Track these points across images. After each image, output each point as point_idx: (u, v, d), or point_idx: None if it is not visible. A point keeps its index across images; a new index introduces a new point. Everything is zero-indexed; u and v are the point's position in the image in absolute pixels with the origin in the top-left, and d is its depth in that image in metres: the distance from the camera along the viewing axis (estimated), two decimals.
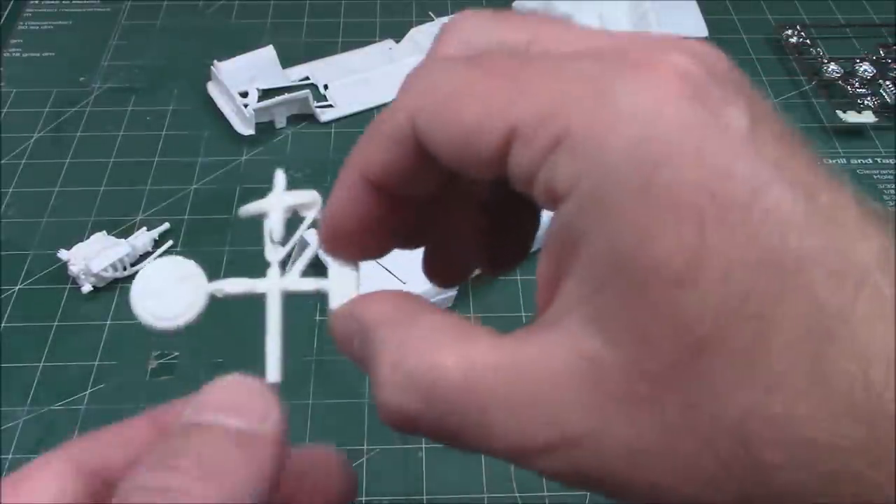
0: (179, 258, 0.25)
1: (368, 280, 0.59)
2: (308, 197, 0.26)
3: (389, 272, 0.55)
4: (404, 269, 0.55)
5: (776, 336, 0.15)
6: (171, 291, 0.24)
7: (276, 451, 0.21)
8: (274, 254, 0.26)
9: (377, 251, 0.25)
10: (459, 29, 0.22)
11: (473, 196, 0.25)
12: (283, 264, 0.26)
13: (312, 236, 0.26)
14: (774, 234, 0.16)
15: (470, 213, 0.26)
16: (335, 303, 0.25)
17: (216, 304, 0.61)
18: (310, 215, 0.26)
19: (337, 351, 0.23)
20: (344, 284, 0.25)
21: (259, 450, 0.20)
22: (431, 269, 0.27)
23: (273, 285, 0.25)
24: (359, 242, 0.24)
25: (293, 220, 0.27)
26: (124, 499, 0.19)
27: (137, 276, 0.25)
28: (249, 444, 0.20)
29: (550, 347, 0.19)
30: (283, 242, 0.26)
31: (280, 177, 0.27)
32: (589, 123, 0.17)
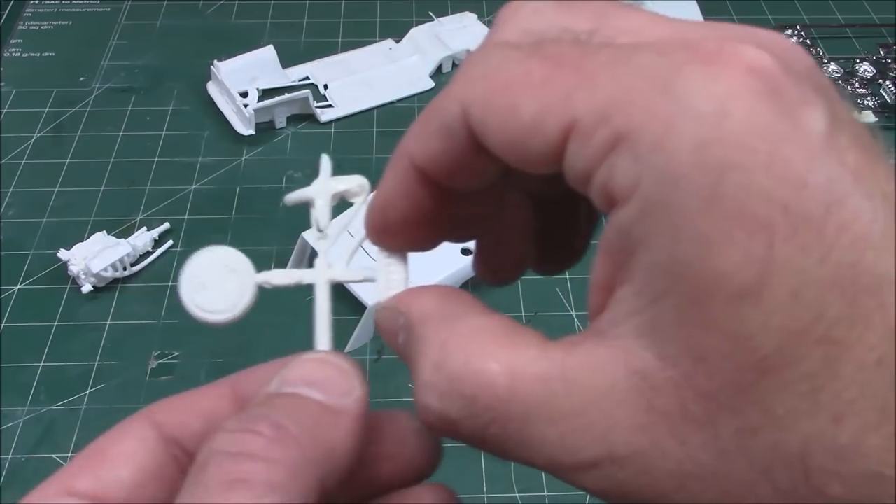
0: (224, 248, 0.24)
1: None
2: (355, 182, 0.24)
3: None
4: None
5: (847, 362, 0.14)
6: (219, 284, 0.24)
7: (357, 427, 0.20)
8: (320, 243, 0.25)
9: (426, 243, 0.24)
10: (519, 14, 0.20)
11: (528, 191, 0.24)
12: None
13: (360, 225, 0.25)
14: (850, 252, 0.15)
15: (523, 209, 0.25)
16: (383, 293, 0.24)
17: None
18: (358, 202, 0.25)
19: (385, 344, 0.23)
20: (392, 274, 0.24)
21: (340, 424, 0.20)
22: (482, 265, 0.26)
23: (321, 275, 0.24)
24: (407, 233, 0.23)
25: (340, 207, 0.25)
26: (200, 463, 0.19)
27: (185, 269, 0.24)
28: (331, 417, 0.20)
29: (600, 360, 0.17)
30: (330, 231, 0.25)
31: (325, 161, 0.25)
32: (652, 122, 0.16)
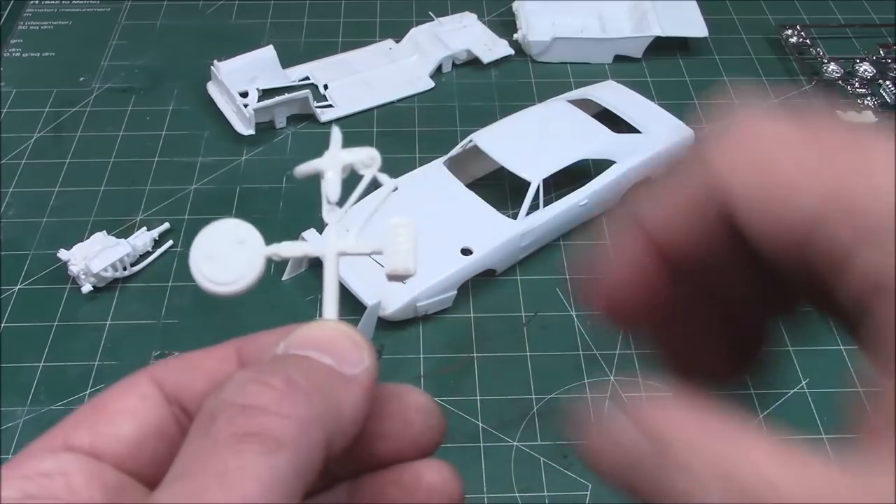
0: (234, 220, 0.23)
1: (366, 279, 0.59)
2: (365, 154, 0.24)
3: None
4: None
5: None
6: (227, 255, 0.23)
7: (365, 396, 0.20)
8: (331, 215, 0.24)
9: (645, 320, 0.22)
10: (754, 126, 0.20)
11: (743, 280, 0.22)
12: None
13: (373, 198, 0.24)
14: None
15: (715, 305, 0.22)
16: (389, 265, 0.23)
17: (218, 302, 0.61)
18: (368, 174, 0.24)
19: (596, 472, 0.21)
20: (401, 245, 0.24)
21: (349, 389, 0.20)
22: (672, 357, 0.24)
23: (330, 248, 0.24)
24: (632, 309, 0.22)
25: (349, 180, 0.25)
26: (209, 414, 0.18)
27: (196, 241, 0.23)
28: (341, 382, 0.20)
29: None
30: (340, 203, 0.24)
31: (336, 133, 0.25)
32: None
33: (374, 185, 0.25)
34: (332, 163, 0.24)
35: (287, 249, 0.24)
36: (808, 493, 0.16)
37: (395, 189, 0.25)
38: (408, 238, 0.24)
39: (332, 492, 0.23)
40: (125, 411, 0.21)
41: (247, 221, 0.24)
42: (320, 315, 0.23)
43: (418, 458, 0.23)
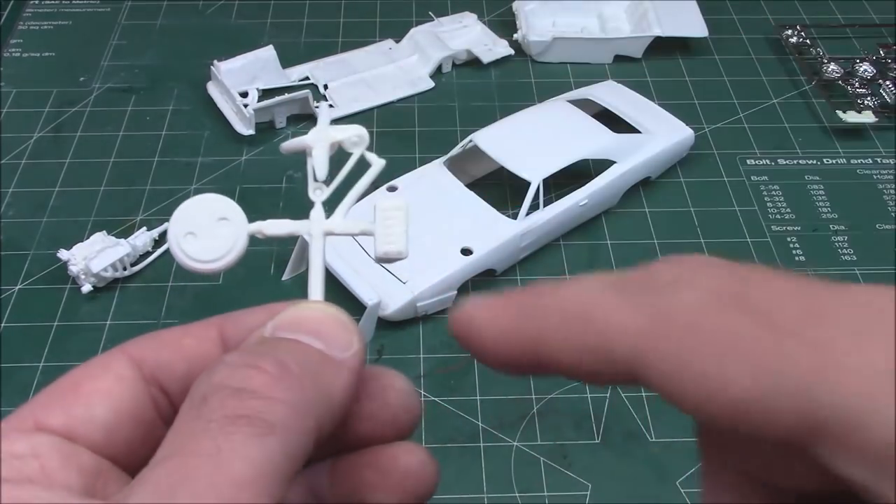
0: (216, 195, 0.23)
1: (367, 279, 0.59)
2: (354, 132, 0.24)
3: (389, 272, 0.55)
4: (404, 268, 0.55)
5: None
6: (209, 232, 0.23)
7: (354, 380, 0.20)
8: (317, 193, 0.24)
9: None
10: (683, 267, 0.18)
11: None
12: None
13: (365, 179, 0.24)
14: None
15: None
16: (381, 247, 0.23)
17: (218, 302, 0.61)
18: (356, 152, 0.24)
19: None
20: (392, 227, 0.23)
21: (339, 374, 0.20)
22: None
23: (316, 227, 0.23)
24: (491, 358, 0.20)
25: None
26: (201, 396, 0.18)
27: (174, 215, 0.23)
28: (331, 366, 0.20)
29: None
30: (328, 182, 0.24)
31: (325, 109, 0.24)
32: None
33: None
34: (320, 139, 0.24)
35: (271, 227, 0.23)
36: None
37: (383, 166, 0.24)
38: (400, 220, 0.23)
39: (311, 470, 0.23)
40: (100, 392, 0.21)
41: (227, 197, 0.23)
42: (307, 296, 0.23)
43: (395, 440, 0.23)
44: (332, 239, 0.24)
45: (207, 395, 0.18)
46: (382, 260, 0.24)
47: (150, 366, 0.22)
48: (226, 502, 0.16)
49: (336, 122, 0.74)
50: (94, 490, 0.19)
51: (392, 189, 0.60)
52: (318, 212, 0.24)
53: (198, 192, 0.65)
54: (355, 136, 0.24)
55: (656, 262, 0.18)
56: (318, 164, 0.23)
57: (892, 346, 0.14)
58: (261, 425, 0.17)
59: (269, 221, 0.23)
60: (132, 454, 0.21)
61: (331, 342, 0.20)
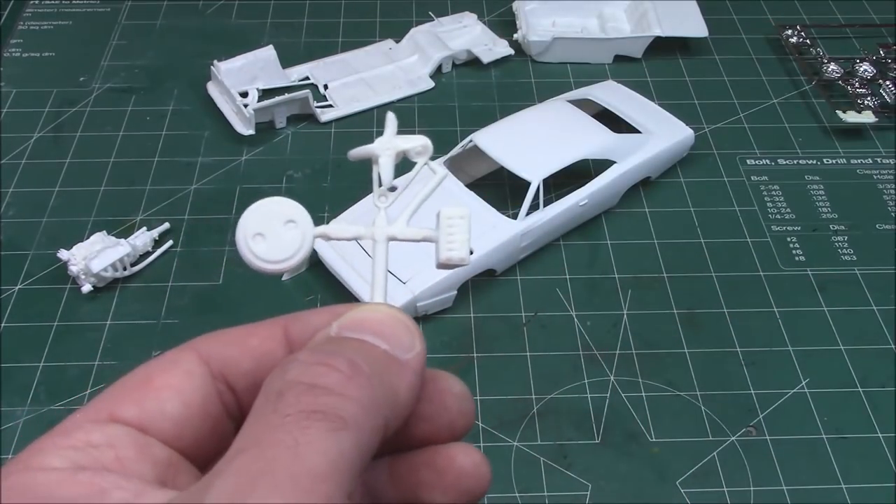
0: (284, 199, 0.24)
1: (366, 278, 0.59)
2: (419, 142, 0.24)
3: (389, 272, 0.55)
4: (404, 268, 0.55)
5: None
6: (277, 234, 0.23)
7: (417, 380, 0.21)
8: (382, 200, 0.25)
9: None
10: None
11: None
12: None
13: (426, 182, 0.25)
14: None
15: None
16: (444, 254, 0.24)
17: (218, 302, 0.61)
18: (420, 161, 0.25)
19: None
20: (454, 235, 0.24)
21: (403, 374, 0.21)
22: None
23: (380, 232, 0.24)
24: None
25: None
26: (276, 392, 0.19)
27: (243, 217, 0.23)
28: (396, 366, 0.21)
29: None
30: (392, 188, 0.24)
31: (391, 118, 0.25)
32: None
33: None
34: (387, 148, 0.24)
35: (336, 231, 0.24)
36: None
37: (445, 176, 0.25)
38: (462, 228, 0.24)
39: (369, 468, 0.23)
40: (171, 387, 0.21)
41: (292, 200, 0.24)
42: (355, 299, 0.24)
43: (450, 441, 0.23)
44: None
45: (283, 391, 0.19)
46: (444, 266, 0.24)
47: (217, 362, 0.22)
48: (305, 492, 0.17)
49: (336, 121, 0.75)
50: (166, 480, 0.20)
51: (392, 189, 0.60)
52: (381, 217, 0.24)
53: (197, 192, 0.66)
54: (420, 147, 0.24)
55: None
56: (385, 171, 0.24)
57: None
58: (335, 420, 0.18)
59: (334, 225, 0.24)
60: (199, 447, 0.21)
61: (395, 343, 0.21)
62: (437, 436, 0.23)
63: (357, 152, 0.25)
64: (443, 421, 0.23)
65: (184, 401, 0.21)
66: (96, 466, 0.19)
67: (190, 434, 0.21)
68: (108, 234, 0.60)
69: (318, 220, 0.58)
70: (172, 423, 0.21)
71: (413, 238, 0.24)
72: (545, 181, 0.59)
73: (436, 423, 0.23)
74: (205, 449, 0.21)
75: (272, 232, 0.23)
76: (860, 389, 0.54)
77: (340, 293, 0.56)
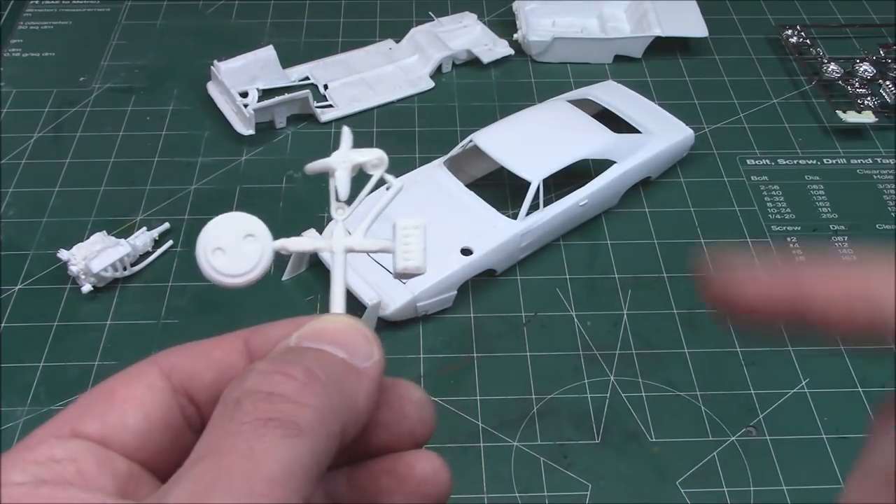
0: (243, 214, 0.24)
1: (367, 279, 0.59)
2: (374, 155, 0.25)
3: (390, 272, 0.55)
4: None
5: None
6: (236, 248, 0.24)
7: (375, 388, 0.21)
8: (339, 212, 0.25)
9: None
10: None
11: None
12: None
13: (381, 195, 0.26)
14: None
15: None
16: (400, 263, 0.24)
17: (218, 302, 0.61)
18: (376, 174, 0.25)
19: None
20: (410, 245, 0.25)
21: (361, 382, 0.21)
22: None
23: (338, 244, 0.25)
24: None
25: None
26: (234, 400, 0.19)
27: (203, 232, 0.24)
28: (354, 375, 0.21)
29: None
30: (349, 201, 0.25)
31: (347, 133, 0.26)
32: None
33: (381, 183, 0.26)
34: (343, 161, 0.25)
35: (295, 244, 0.25)
36: None
37: (401, 188, 0.26)
38: (418, 238, 0.25)
39: (329, 476, 0.24)
40: (133, 400, 0.22)
41: (252, 215, 0.24)
42: (328, 309, 0.24)
43: (411, 448, 0.24)
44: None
45: (241, 399, 0.19)
46: (401, 275, 0.25)
47: (179, 375, 0.23)
48: (260, 497, 0.17)
49: (336, 121, 0.75)
50: (127, 493, 0.20)
51: (311, 172, 0.60)
52: (339, 230, 0.25)
53: (197, 192, 0.66)
54: (375, 159, 0.25)
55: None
56: (341, 185, 0.25)
57: None
58: (291, 427, 0.18)
59: (293, 238, 0.25)
60: (161, 459, 0.22)
61: (353, 352, 0.21)
62: (398, 443, 0.24)
63: (313, 166, 0.25)
64: (402, 428, 0.23)
65: (145, 414, 0.22)
66: (58, 480, 0.19)
67: (151, 446, 0.21)
68: (108, 234, 0.60)
69: (318, 220, 0.58)
70: (134, 436, 0.21)
71: (370, 249, 0.25)
72: (545, 181, 0.59)
73: (395, 430, 0.23)
74: (166, 461, 0.22)
75: (231, 246, 0.24)
76: (860, 389, 0.54)
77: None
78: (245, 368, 0.21)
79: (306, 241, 0.25)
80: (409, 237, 0.25)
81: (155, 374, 0.22)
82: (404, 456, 0.24)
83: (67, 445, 0.20)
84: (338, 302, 0.24)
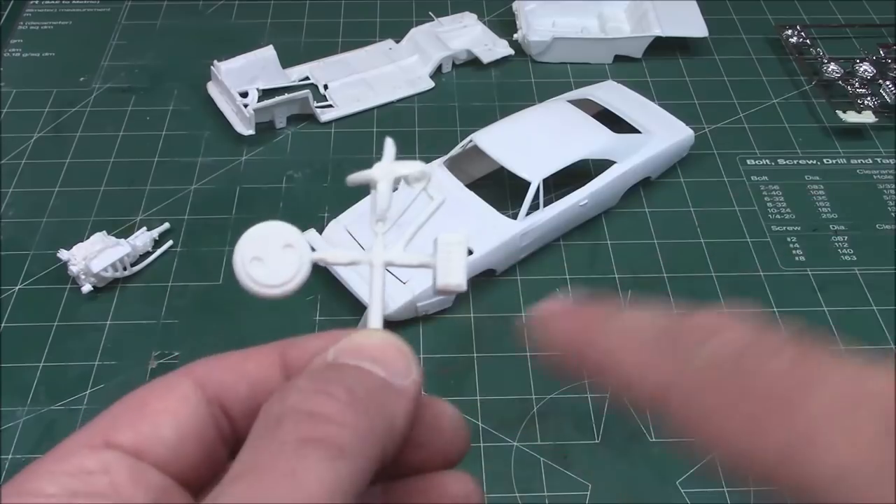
0: (282, 223, 0.24)
1: (367, 279, 0.59)
2: (417, 168, 0.25)
3: (389, 272, 0.55)
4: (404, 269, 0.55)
5: None
6: (275, 258, 0.23)
7: (413, 408, 0.21)
8: (379, 226, 0.25)
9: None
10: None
11: None
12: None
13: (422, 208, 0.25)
14: None
15: None
16: (442, 280, 0.24)
17: (218, 302, 0.61)
18: (418, 187, 0.25)
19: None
20: (453, 260, 0.24)
21: (400, 401, 0.21)
22: None
23: (377, 257, 0.24)
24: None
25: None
26: (275, 418, 0.19)
27: (241, 240, 0.23)
28: (393, 394, 0.21)
29: None
30: (388, 214, 0.25)
31: (390, 144, 0.25)
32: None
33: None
34: (385, 174, 0.24)
35: (334, 256, 0.25)
36: None
37: (443, 202, 0.25)
38: (460, 254, 0.24)
39: (366, 493, 0.24)
40: (166, 412, 0.21)
41: (292, 224, 0.24)
42: (364, 324, 0.24)
43: (444, 468, 0.23)
44: (334, 239, 0.25)
45: (282, 417, 0.19)
46: (442, 292, 0.24)
47: (213, 387, 0.22)
48: None
49: (336, 121, 0.75)
50: None
51: (352, 183, 0.60)
52: (379, 243, 0.24)
53: (197, 192, 0.66)
54: (418, 173, 0.25)
55: (694, 317, 0.22)
56: (382, 198, 0.24)
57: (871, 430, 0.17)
58: (332, 448, 0.18)
59: (331, 250, 0.25)
60: (193, 473, 0.21)
61: (392, 370, 0.21)
62: (431, 462, 0.23)
63: (356, 178, 0.25)
64: (436, 448, 0.23)
65: (179, 426, 0.21)
66: (90, 493, 0.19)
67: (184, 460, 0.21)
68: (108, 234, 0.60)
69: (319, 220, 0.58)
70: (167, 449, 0.21)
71: (410, 263, 0.25)
72: (545, 181, 0.59)
73: (429, 449, 0.23)
74: (198, 474, 0.21)
75: (270, 256, 0.23)
76: None
77: (341, 293, 0.56)
78: (284, 385, 0.20)
79: (345, 254, 0.25)
80: (452, 253, 0.24)
81: (189, 385, 0.22)
82: (438, 477, 0.23)
83: (100, 456, 0.20)
84: (376, 316, 0.24)
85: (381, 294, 0.24)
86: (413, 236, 0.25)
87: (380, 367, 0.21)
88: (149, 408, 0.21)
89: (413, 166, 0.25)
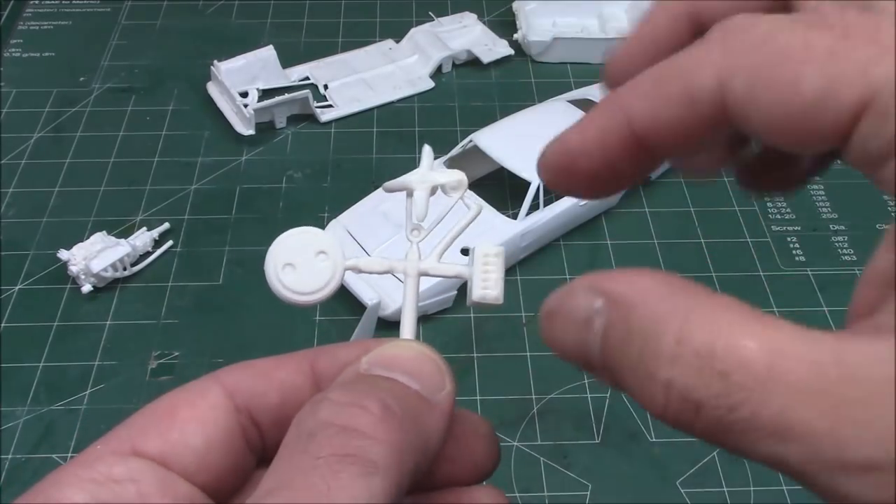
0: (316, 229, 0.24)
1: (366, 279, 0.59)
2: (455, 177, 0.24)
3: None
4: None
5: None
6: (308, 265, 0.23)
7: (447, 422, 0.21)
8: (414, 234, 0.24)
9: (602, 193, 0.22)
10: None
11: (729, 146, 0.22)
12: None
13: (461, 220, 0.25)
14: None
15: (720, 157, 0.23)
16: (477, 292, 0.23)
17: (218, 302, 0.61)
18: (455, 196, 0.24)
19: (548, 341, 0.19)
20: (489, 273, 0.24)
21: (434, 416, 0.20)
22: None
23: (412, 267, 0.24)
24: (588, 182, 0.21)
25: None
26: (308, 432, 0.19)
27: (273, 247, 0.23)
28: (427, 408, 0.20)
29: (884, 351, 0.15)
30: (425, 222, 0.24)
31: (428, 152, 0.25)
32: None
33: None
34: (422, 182, 0.24)
35: (367, 263, 0.24)
36: (772, 352, 0.15)
37: (480, 212, 0.25)
38: (498, 267, 0.24)
39: None
40: (195, 420, 0.21)
41: (325, 231, 0.24)
42: (398, 334, 0.24)
43: (474, 483, 0.23)
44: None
45: (315, 431, 0.19)
46: (478, 305, 0.24)
47: (242, 395, 0.22)
48: None
49: (336, 121, 0.75)
50: None
51: (389, 190, 0.60)
52: (413, 252, 0.24)
53: (197, 192, 0.66)
54: (455, 182, 0.24)
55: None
56: (419, 205, 0.24)
57: None
58: (366, 465, 0.18)
59: (365, 258, 0.24)
60: (220, 483, 0.21)
61: (426, 383, 0.21)
62: (461, 476, 0.23)
63: (392, 184, 0.25)
64: (468, 462, 0.23)
65: (207, 435, 0.21)
66: (117, 502, 0.19)
67: (212, 469, 0.21)
68: (108, 234, 0.60)
69: (319, 220, 0.58)
70: (195, 458, 0.21)
71: (446, 274, 0.24)
72: None
73: (460, 463, 0.23)
74: (224, 484, 0.21)
75: (303, 263, 0.23)
76: None
77: (340, 293, 0.56)
78: (317, 396, 0.20)
79: (379, 262, 0.24)
80: (489, 265, 0.24)
81: (218, 392, 0.22)
82: (468, 492, 0.23)
83: (128, 464, 0.20)
84: (408, 327, 0.23)
85: (415, 304, 0.24)
86: (449, 246, 0.24)
87: (414, 380, 0.21)
88: (178, 416, 0.21)
89: (450, 175, 0.24)
